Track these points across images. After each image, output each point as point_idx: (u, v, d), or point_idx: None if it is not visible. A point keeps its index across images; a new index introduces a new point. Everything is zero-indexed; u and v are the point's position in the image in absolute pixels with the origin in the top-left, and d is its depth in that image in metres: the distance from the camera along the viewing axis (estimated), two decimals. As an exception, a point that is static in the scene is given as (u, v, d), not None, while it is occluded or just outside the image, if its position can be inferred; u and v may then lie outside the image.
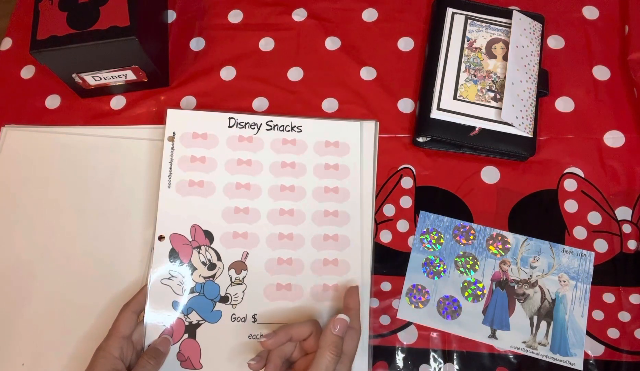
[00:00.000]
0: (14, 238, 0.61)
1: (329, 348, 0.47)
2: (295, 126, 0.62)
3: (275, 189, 0.60)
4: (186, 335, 0.56)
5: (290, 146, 0.61)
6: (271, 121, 0.62)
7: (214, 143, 0.61)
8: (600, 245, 0.59)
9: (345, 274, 0.58)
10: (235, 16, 0.72)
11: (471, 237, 0.60)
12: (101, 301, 0.58)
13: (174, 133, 0.61)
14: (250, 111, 0.66)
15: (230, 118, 0.62)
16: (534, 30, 0.66)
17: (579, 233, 0.60)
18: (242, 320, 0.56)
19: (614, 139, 0.63)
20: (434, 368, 0.57)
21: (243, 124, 0.62)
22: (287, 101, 0.67)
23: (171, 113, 0.61)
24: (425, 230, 0.61)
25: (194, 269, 0.57)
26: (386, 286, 0.59)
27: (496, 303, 0.58)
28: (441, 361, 0.57)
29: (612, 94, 0.65)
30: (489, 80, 0.63)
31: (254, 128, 0.62)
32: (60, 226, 0.62)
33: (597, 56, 0.67)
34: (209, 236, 0.58)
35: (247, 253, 0.58)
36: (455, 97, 0.63)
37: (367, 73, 0.68)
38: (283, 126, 0.62)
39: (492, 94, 0.63)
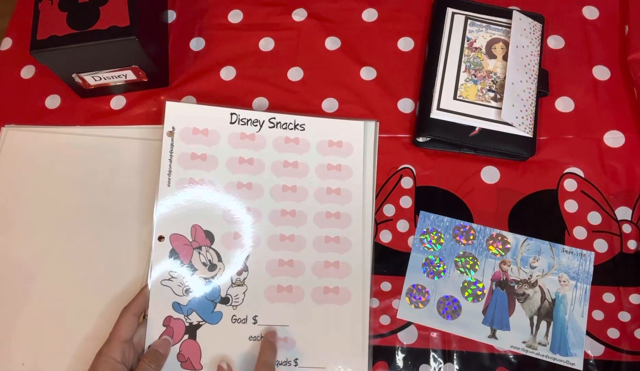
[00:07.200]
0: (14, 238, 0.61)
1: None
2: (298, 124, 0.61)
3: (277, 189, 0.60)
4: (186, 336, 0.56)
5: (293, 145, 0.61)
6: (274, 118, 0.61)
7: (215, 140, 0.60)
8: (600, 245, 0.59)
9: (346, 276, 0.58)
10: (235, 16, 0.72)
11: (471, 237, 0.60)
12: (101, 301, 0.59)
13: (173, 128, 0.59)
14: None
15: (232, 114, 0.60)
16: (534, 30, 0.66)
17: (579, 233, 0.60)
18: (243, 321, 0.56)
19: (614, 139, 0.63)
20: (434, 368, 0.57)
21: (245, 120, 0.60)
22: (287, 100, 0.67)
23: (170, 106, 0.59)
24: (425, 230, 0.61)
25: (194, 270, 0.57)
26: (386, 286, 0.59)
27: (496, 303, 0.58)
28: (441, 361, 0.57)
29: (612, 94, 0.65)
30: (489, 80, 0.63)
31: (256, 125, 0.60)
32: (60, 226, 0.62)
33: (597, 56, 0.67)
34: (209, 236, 0.58)
35: (248, 254, 0.58)
36: (455, 97, 0.63)
37: (367, 73, 0.68)
38: (286, 123, 0.61)
39: (492, 94, 0.63)
